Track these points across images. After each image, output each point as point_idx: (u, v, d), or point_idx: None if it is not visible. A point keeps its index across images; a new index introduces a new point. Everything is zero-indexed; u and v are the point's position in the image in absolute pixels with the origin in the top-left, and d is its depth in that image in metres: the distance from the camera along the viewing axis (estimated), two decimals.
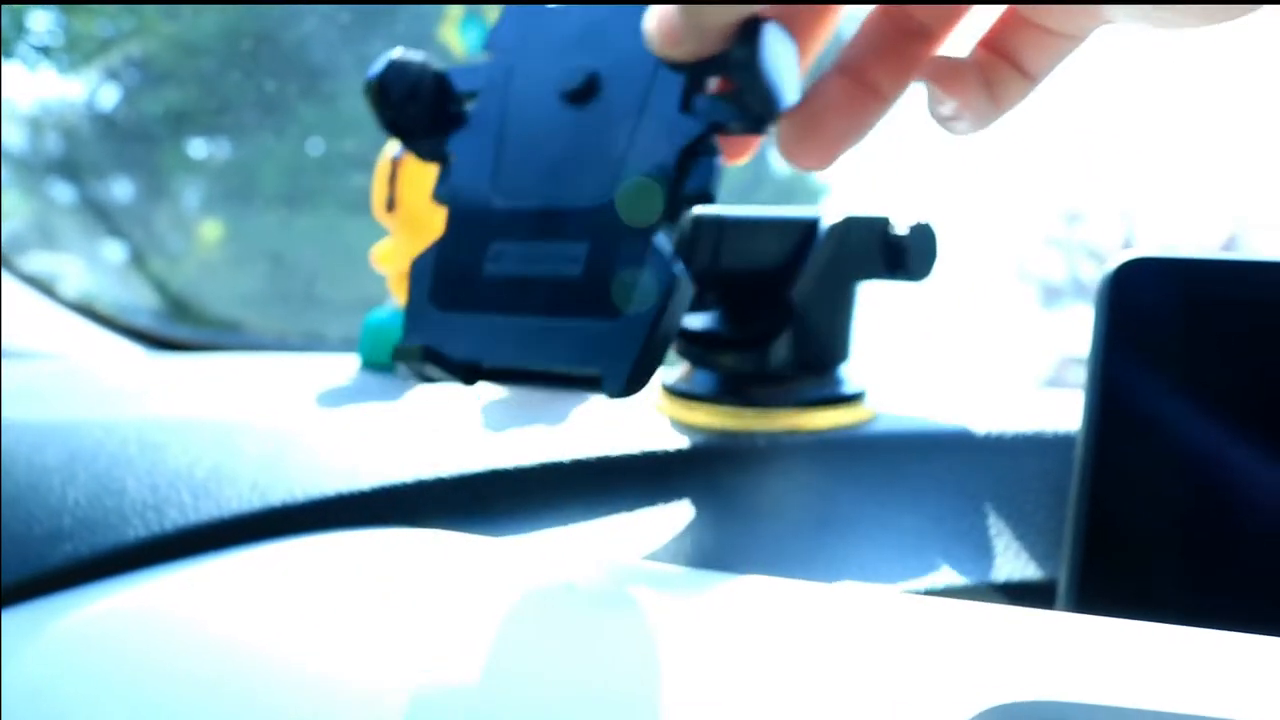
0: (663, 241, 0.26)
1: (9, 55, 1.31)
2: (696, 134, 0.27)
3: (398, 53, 0.31)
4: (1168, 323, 0.33)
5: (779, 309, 0.35)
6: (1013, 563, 0.34)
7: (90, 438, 0.37)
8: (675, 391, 0.37)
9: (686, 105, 0.27)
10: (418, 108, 0.31)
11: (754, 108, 0.26)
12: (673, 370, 0.39)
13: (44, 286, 0.62)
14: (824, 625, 0.25)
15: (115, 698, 0.29)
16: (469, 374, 0.29)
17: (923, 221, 0.37)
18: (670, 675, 0.24)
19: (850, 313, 0.37)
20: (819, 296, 0.36)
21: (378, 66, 0.31)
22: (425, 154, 0.32)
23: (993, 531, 0.34)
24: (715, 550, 0.31)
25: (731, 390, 0.36)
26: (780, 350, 0.35)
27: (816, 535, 0.33)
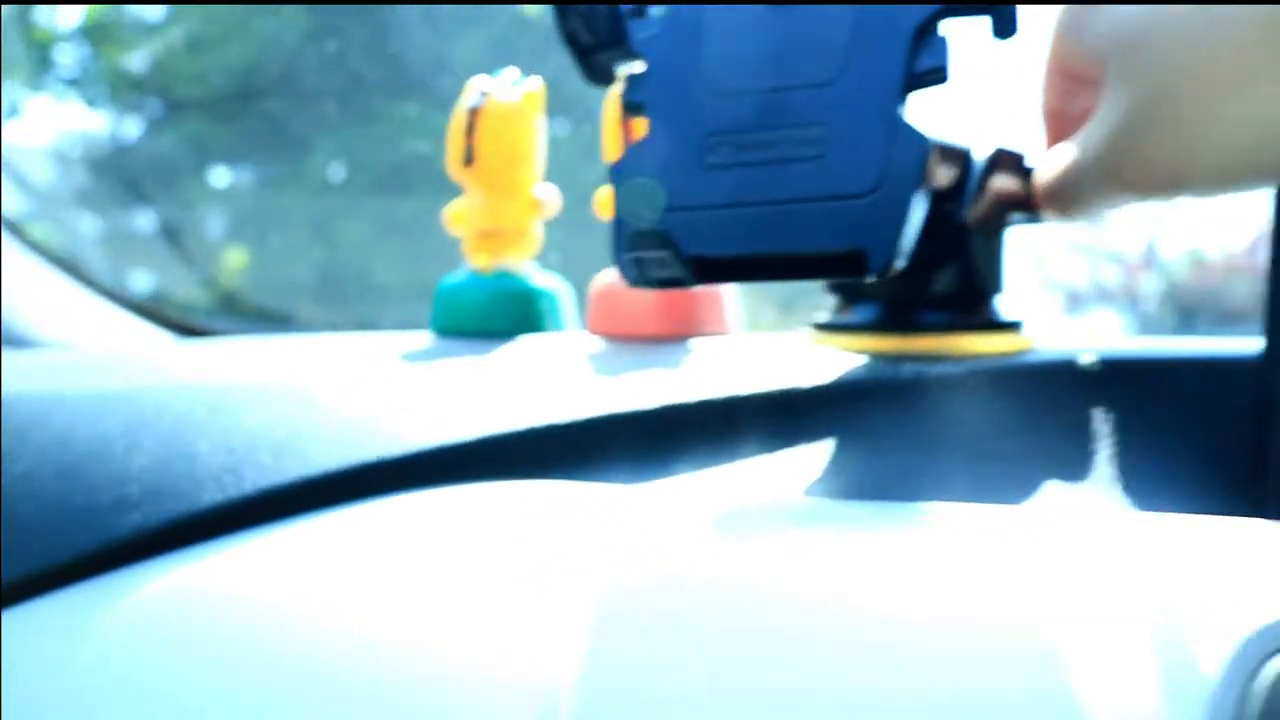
0: (904, 113, 0.26)
1: (37, 88, 1.30)
2: (929, 13, 0.26)
3: None
4: None
5: (950, 233, 0.33)
6: (1185, 497, 0.30)
7: (154, 402, 0.33)
8: (832, 326, 0.35)
9: None
10: (598, 20, 0.32)
11: None
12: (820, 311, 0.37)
13: (78, 273, 0.59)
14: (1037, 547, 0.22)
15: (194, 678, 0.26)
16: (701, 270, 0.27)
17: None
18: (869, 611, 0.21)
19: (1003, 243, 0.35)
20: (981, 224, 0.34)
21: None
22: (595, 72, 0.32)
23: (1164, 464, 0.31)
24: (879, 485, 0.28)
25: (895, 317, 0.34)
26: (946, 276, 0.34)
27: (977, 467, 0.29)
